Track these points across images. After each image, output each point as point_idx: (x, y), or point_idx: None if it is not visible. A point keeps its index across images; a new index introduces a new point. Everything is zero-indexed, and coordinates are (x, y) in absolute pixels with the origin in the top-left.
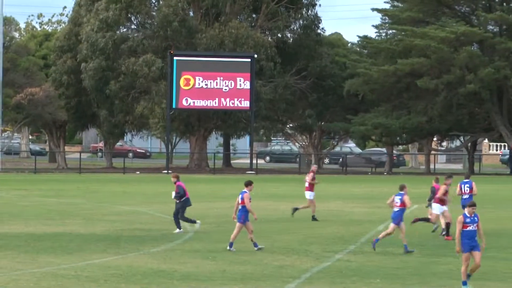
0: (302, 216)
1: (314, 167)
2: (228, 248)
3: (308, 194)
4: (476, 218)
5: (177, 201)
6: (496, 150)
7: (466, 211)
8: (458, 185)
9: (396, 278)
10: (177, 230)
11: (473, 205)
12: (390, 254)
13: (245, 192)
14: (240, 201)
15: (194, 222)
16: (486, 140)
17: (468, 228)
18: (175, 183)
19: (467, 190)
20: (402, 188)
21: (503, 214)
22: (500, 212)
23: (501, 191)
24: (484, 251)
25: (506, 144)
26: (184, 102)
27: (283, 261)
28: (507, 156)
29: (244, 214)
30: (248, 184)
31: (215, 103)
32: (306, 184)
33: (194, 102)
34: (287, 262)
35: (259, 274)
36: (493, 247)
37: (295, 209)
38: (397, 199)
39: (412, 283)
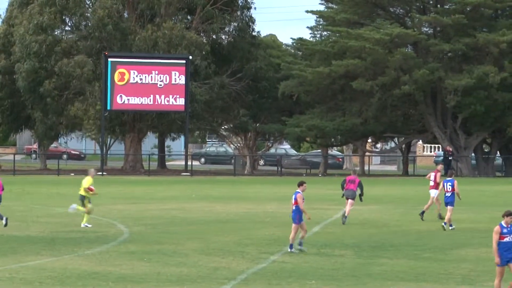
0: (237, 218)
1: (439, 166)
2: (288, 249)
3: (433, 192)
4: None
5: None
6: (430, 151)
7: (503, 221)
8: (441, 182)
9: (332, 279)
10: None
11: (510, 214)
12: (326, 255)
13: (298, 192)
14: (293, 202)
15: (1, 218)
16: (420, 142)
17: (505, 239)
18: None
19: (449, 188)
20: (299, 185)
21: (438, 215)
22: (434, 213)
23: None
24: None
25: (440, 145)
26: (118, 100)
27: (218, 263)
28: (441, 158)
29: (298, 214)
30: (301, 184)
31: (150, 101)
32: (431, 183)
33: (128, 100)
34: (222, 263)
35: (195, 276)
36: (429, 248)
37: (422, 212)
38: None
39: (348, 284)
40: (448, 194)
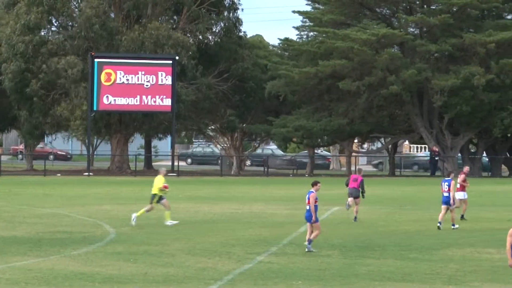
0: (224, 218)
1: (466, 168)
2: (306, 250)
3: (462, 194)
4: None
5: None
6: (417, 152)
7: None
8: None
9: (318, 280)
10: None
11: None
12: (313, 255)
13: (312, 192)
14: (307, 201)
15: None
16: (407, 142)
17: None
18: None
19: (446, 188)
20: (313, 184)
21: (424, 215)
22: (421, 213)
23: (421, 193)
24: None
25: (426, 146)
26: (105, 100)
27: (205, 263)
28: (428, 158)
29: (311, 213)
30: (314, 184)
31: (137, 101)
32: (457, 185)
33: (115, 100)
34: (209, 264)
35: (181, 276)
36: (415, 248)
37: (462, 216)
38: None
39: (334, 285)
40: (446, 194)
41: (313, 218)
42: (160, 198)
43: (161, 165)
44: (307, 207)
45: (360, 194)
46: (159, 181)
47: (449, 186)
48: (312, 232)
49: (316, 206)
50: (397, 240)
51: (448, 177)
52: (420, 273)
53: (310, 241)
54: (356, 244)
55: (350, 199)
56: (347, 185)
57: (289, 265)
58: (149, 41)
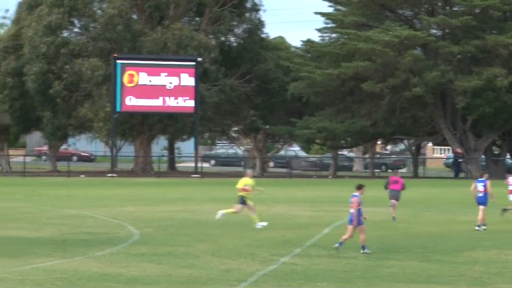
0: (248, 220)
1: None
2: (336, 245)
3: None
4: None
5: None
6: (440, 153)
7: None
8: (473, 183)
9: (342, 281)
10: None
11: None
12: (336, 257)
13: (356, 195)
14: (351, 204)
15: None
16: (430, 144)
17: None
18: None
19: (482, 188)
20: (358, 188)
21: (448, 217)
22: (444, 215)
23: (445, 194)
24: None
25: (450, 147)
26: (128, 101)
27: (229, 265)
28: (451, 160)
29: (357, 216)
30: (359, 187)
31: (159, 102)
32: (510, 188)
33: (138, 101)
34: (233, 265)
35: (205, 278)
36: (439, 250)
37: (504, 210)
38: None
39: (358, 286)
40: (481, 195)
41: (355, 222)
42: (242, 199)
43: (185, 166)
44: (351, 211)
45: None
46: (241, 182)
47: (485, 186)
48: (351, 235)
49: (359, 210)
50: (421, 242)
51: (482, 177)
52: (444, 275)
53: (363, 247)
54: (380, 246)
55: (393, 201)
56: (386, 187)
57: (313, 267)
58: (172, 42)
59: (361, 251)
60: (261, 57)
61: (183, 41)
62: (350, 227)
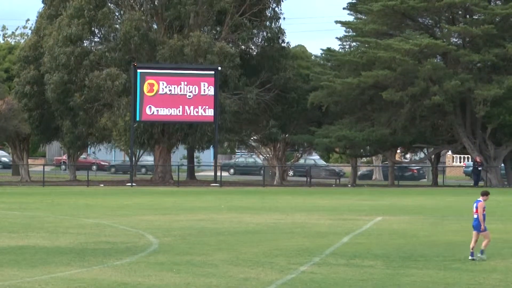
0: (267, 228)
1: None
2: (469, 257)
3: None
4: None
5: None
6: (460, 162)
7: None
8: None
9: None
10: None
11: None
12: (355, 266)
13: (480, 201)
14: (474, 210)
15: None
16: (450, 152)
17: None
18: None
19: (474, 209)
20: (483, 194)
21: (467, 225)
22: (463, 223)
23: (464, 203)
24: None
25: (469, 156)
26: (147, 111)
27: (248, 273)
28: (471, 168)
29: (479, 222)
30: (484, 194)
31: (179, 112)
32: None
33: (158, 111)
34: (252, 274)
35: (224, 287)
36: (458, 259)
37: None
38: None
39: None
40: (475, 216)
41: (482, 226)
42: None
43: (204, 175)
44: (475, 216)
45: None
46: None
47: (476, 208)
48: (476, 240)
49: (484, 215)
50: (440, 250)
51: (482, 196)
52: (463, 283)
53: (482, 251)
54: (398, 254)
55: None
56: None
57: (332, 275)
58: (191, 48)
59: (479, 255)
60: (281, 66)
61: (202, 47)
62: (475, 232)
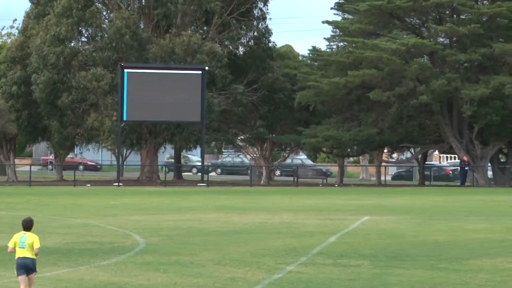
0: (253, 228)
1: None
2: None
3: None
4: None
5: None
6: (447, 161)
7: None
8: None
9: None
10: None
11: None
12: (342, 265)
13: None
14: None
15: None
16: (437, 152)
17: None
18: None
19: None
20: None
21: (454, 225)
22: (451, 223)
23: (452, 203)
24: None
25: (456, 155)
26: (134, 111)
27: (234, 273)
28: (458, 168)
29: None
30: None
31: (167, 111)
32: None
33: (144, 111)
34: (238, 274)
35: (211, 287)
36: (445, 258)
37: None
38: None
39: None
40: None
41: None
42: None
43: (191, 175)
44: None
45: None
46: None
47: None
48: None
49: None
50: (427, 250)
51: None
52: (450, 283)
53: None
54: (386, 254)
55: None
56: None
57: (319, 275)
58: (180, 48)
59: None
60: (268, 66)
61: (191, 47)
62: None
